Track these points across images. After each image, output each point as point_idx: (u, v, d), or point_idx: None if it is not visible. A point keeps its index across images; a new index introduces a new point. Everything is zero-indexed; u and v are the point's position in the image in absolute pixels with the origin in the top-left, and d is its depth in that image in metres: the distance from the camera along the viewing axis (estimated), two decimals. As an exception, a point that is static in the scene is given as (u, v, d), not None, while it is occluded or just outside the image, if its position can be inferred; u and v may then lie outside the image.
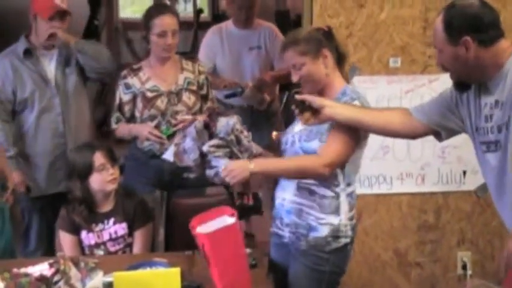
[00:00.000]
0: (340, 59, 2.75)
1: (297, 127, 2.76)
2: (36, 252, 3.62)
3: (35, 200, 3.62)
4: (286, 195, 2.73)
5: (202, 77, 3.62)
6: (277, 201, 2.79)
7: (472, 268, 3.72)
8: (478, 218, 3.72)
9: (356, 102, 2.64)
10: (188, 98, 3.54)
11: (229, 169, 2.58)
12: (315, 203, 2.66)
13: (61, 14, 3.51)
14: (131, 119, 3.57)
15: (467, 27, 2.24)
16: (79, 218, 3.03)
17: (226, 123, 2.67)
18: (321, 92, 2.69)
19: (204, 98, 3.63)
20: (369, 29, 3.53)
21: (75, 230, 3.05)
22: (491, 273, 3.70)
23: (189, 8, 8.52)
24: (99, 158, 3.06)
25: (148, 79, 3.53)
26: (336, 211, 2.66)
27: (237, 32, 4.48)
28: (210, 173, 2.65)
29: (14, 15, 5.12)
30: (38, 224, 3.66)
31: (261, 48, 4.48)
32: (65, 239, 3.06)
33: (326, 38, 2.71)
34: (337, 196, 2.67)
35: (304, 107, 2.60)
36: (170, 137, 3.46)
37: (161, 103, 3.50)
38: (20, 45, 3.59)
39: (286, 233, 2.73)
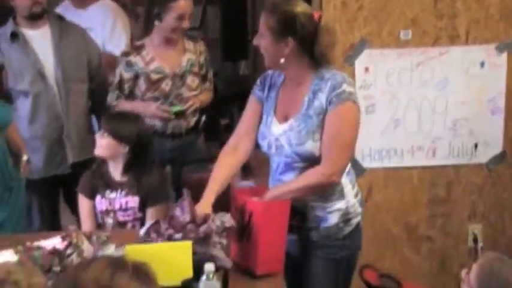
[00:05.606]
0: (317, 60, 2.49)
1: (275, 127, 2.56)
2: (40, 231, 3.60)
3: (34, 182, 3.54)
4: None
5: (202, 57, 3.65)
6: None
7: (483, 241, 3.72)
8: (490, 191, 3.70)
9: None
10: (192, 81, 3.58)
11: None
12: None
13: None
14: (129, 96, 3.56)
15: None
16: (101, 180, 3.08)
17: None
18: (298, 81, 2.53)
19: (203, 78, 3.66)
20: (379, 2, 3.49)
21: (92, 195, 3.11)
22: (502, 246, 3.70)
23: (198, -16, 8.49)
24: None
25: (152, 60, 3.52)
26: (341, 195, 2.55)
27: None
28: None
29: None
30: (39, 204, 3.65)
31: None
32: (82, 203, 3.13)
33: (307, 30, 2.45)
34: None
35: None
36: (177, 114, 3.48)
37: (166, 86, 3.51)
38: (8, 28, 3.51)
39: (293, 230, 2.58)
